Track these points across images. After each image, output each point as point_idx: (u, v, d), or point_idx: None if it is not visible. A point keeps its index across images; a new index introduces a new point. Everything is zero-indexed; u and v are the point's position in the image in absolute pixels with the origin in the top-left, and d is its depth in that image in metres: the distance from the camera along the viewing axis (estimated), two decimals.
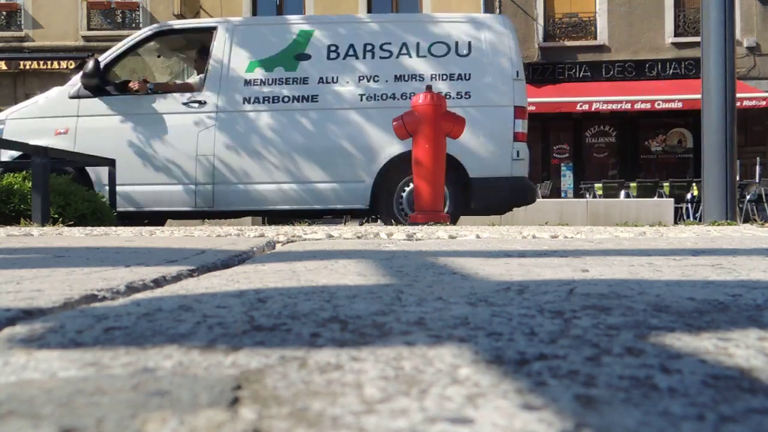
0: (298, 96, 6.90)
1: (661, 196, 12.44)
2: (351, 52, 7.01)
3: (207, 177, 6.75)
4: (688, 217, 12.37)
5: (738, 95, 7.29)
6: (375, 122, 6.85)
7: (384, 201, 6.91)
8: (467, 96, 6.90)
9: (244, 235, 3.58)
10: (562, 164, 16.81)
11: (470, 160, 6.83)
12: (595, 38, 16.41)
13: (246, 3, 16.56)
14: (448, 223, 6.79)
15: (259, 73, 6.94)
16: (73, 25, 16.28)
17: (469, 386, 0.61)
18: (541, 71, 16.25)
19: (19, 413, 0.55)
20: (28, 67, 15.93)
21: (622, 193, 13.13)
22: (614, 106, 15.10)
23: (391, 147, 6.84)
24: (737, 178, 7.47)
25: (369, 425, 0.52)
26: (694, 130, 15.78)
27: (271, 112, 6.87)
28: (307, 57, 7.00)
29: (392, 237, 3.48)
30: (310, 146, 6.76)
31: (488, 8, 16.21)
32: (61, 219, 5.46)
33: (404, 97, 6.88)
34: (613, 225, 6.16)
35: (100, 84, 6.78)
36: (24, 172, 5.81)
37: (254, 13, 16.67)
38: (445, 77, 6.95)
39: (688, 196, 12.72)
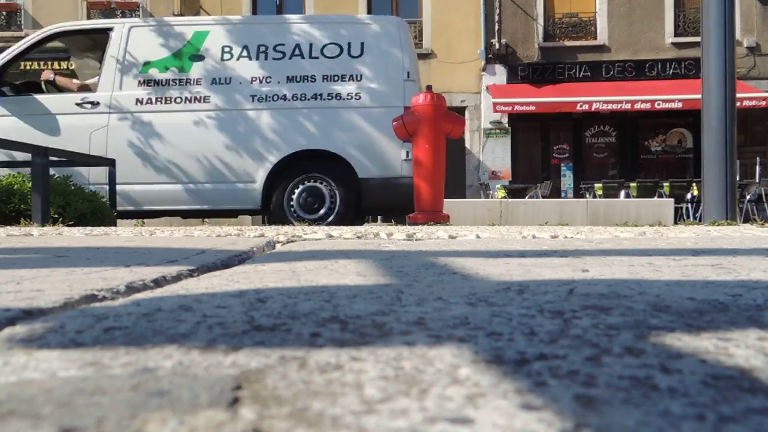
0: (191, 97, 6.96)
1: (661, 196, 12.43)
2: (245, 54, 7.08)
3: (99, 178, 6.74)
4: (688, 217, 12.37)
5: (738, 95, 7.29)
6: (266, 123, 6.92)
7: (276, 202, 6.98)
8: (358, 97, 6.96)
9: (244, 235, 3.58)
10: (562, 164, 16.81)
11: (360, 161, 6.88)
12: (595, 38, 16.41)
13: (246, 3, 16.56)
14: (448, 223, 6.80)
15: (153, 74, 7.01)
16: None
17: (469, 386, 0.61)
18: (541, 71, 16.25)
19: (19, 413, 0.55)
20: (28, 67, 15.93)
21: (622, 193, 13.13)
22: (614, 106, 15.10)
23: (282, 148, 6.92)
24: (737, 178, 7.47)
25: (369, 425, 0.52)
26: (694, 130, 15.78)
27: (164, 113, 6.93)
28: (201, 58, 7.07)
29: (392, 237, 3.48)
30: (202, 147, 6.79)
31: (488, 8, 16.22)
32: (61, 219, 5.46)
33: (295, 98, 6.99)
34: (613, 225, 6.16)
35: None
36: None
37: (254, 12, 16.67)
38: (336, 78, 7.01)
39: (688, 196, 12.72)
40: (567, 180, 16.69)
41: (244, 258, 2.23)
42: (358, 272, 1.65)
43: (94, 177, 6.82)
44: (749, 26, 15.96)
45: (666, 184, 13.03)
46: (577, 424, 0.51)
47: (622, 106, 15.12)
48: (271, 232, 3.81)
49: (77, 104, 6.87)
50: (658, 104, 14.92)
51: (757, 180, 13.81)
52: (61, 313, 1.04)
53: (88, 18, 16.43)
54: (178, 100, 6.95)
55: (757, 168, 14.77)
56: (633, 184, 13.23)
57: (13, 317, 0.98)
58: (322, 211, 6.87)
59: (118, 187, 6.60)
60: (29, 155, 5.52)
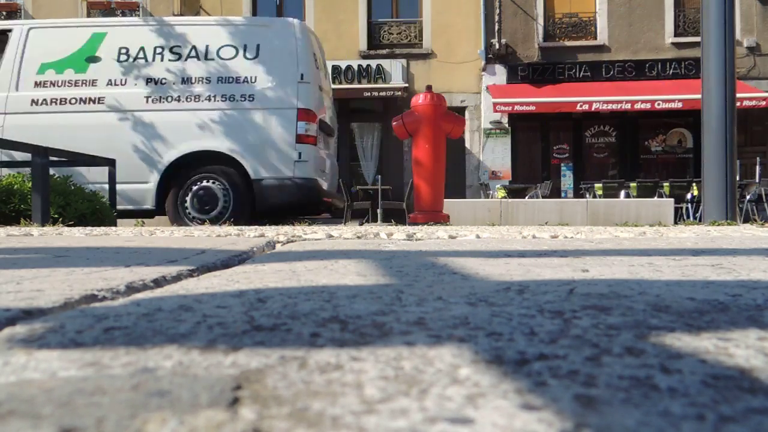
0: (86, 98, 7.00)
1: (661, 196, 12.43)
2: (141, 55, 7.13)
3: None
4: (688, 217, 12.36)
5: (738, 95, 7.29)
6: (161, 124, 6.95)
7: (169, 202, 7.03)
8: (251, 98, 7.00)
9: (244, 235, 3.58)
10: (562, 164, 16.81)
11: (252, 162, 6.92)
12: (595, 38, 16.40)
13: (246, 3, 16.57)
14: (448, 223, 6.80)
15: (49, 75, 7.05)
16: None
17: (469, 386, 0.61)
18: (541, 71, 16.25)
19: (19, 413, 0.55)
20: None
21: (622, 193, 13.12)
22: (614, 106, 15.09)
23: (175, 149, 6.96)
24: (737, 178, 7.47)
25: (369, 425, 0.52)
26: (694, 130, 15.77)
27: (60, 114, 6.97)
28: (98, 59, 7.12)
29: (392, 237, 3.48)
30: (97, 148, 6.81)
31: (488, 8, 16.22)
32: (61, 219, 5.46)
33: (189, 100, 7.02)
34: (613, 225, 6.16)
35: None
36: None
37: (254, 12, 16.67)
38: (231, 80, 7.06)
39: (688, 196, 12.72)
40: (567, 180, 16.68)
41: (244, 258, 2.23)
42: (358, 272, 1.65)
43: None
44: (749, 26, 15.96)
45: (666, 184, 13.02)
46: (577, 424, 0.51)
47: (622, 106, 15.11)
48: (271, 232, 3.81)
49: None
50: (658, 104, 14.91)
51: (757, 180, 13.81)
52: (61, 313, 1.04)
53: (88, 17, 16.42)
54: (74, 101, 7.02)
55: (757, 168, 14.77)
56: (633, 184, 13.22)
57: (13, 317, 0.98)
58: (215, 212, 6.92)
59: None
60: (29, 155, 5.52)
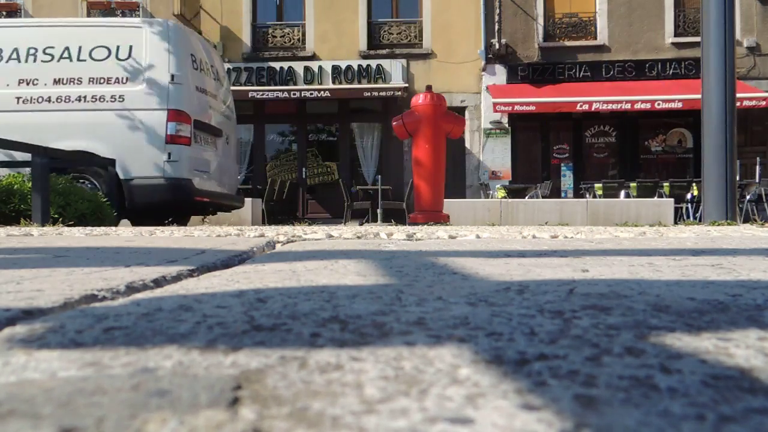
0: None
1: (661, 196, 12.43)
2: (14, 56, 7.13)
3: None
4: (688, 217, 12.36)
5: (738, 95, 7.29)
6: (32, 125, 6.92)
7: None
8: (121, 99, 7.02)
9: (244, 235, 3.58)
10: (562, 164, 16.81)
11: (122, 163, 6.93)
12: (595, 38, 16.40)
13: (246, 3, 16.57)
14: (448, 223, 6.80)
15: None
16: None
17: (469, 386, 0.61)
18: (541, 71, 16.24)
19: (19, 413, 0.55)
20: None
21: (622, 193, 13.12)
22: (614, 106, 15.09)
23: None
24: (737, 178, 7.47)
25: (369, 425, 0.52)
26: (694, 130, 15.77)
27: None
28: None
29: (392, 237, 3.48)
30: None
31: (488, 8, 16.22)
32: (61, 219, 5.46)
33: (60, 100, 7.03)
34: (613, 225, 6.16)
35: None
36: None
37: (254, 12, 16.68)
38: (102, 81, 7.07)
39: (688, 196, 12.72)
40: (567, 180, 16.68)
41: (244, 258, 2.23)
42: (358, 272, 1.65)
43: None
44: (749, 26, 15.96)
45: (666, 184, 13.02)
46: (577, 424, 0.51)
47: (622, 106, 15.11)
48: (271, 232, 3.81)
49: None
50: (658, 104, 14.91)
51: (757, 180, 13.81)
52: (61, 313, 1.04)
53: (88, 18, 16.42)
54: None
55: (757, 168, 14.77)
56: (633, 184, 13.22)
57: (13, 317, 0.98)
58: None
59: None
60: (29, 155, 5.52)
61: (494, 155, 16.19)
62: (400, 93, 15.42)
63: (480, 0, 16.27)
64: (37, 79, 7.04)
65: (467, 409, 0.55)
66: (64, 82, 7.05)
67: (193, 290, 1.30)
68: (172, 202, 7.05)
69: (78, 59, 7.10)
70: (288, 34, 16.57)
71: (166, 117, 6.90)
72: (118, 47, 7.11)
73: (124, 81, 7.03)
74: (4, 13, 16.34)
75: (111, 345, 0.80)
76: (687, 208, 12.62)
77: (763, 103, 14.62)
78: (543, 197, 13.53)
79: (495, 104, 15.32)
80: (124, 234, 3.81)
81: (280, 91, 15.65)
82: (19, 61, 7.09)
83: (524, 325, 0.90)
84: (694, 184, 12.60)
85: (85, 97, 6.99)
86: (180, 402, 0.58)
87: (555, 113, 15.76)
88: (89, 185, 6.95)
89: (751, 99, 14.37)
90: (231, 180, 8.51)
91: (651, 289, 1.26)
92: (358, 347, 0.78)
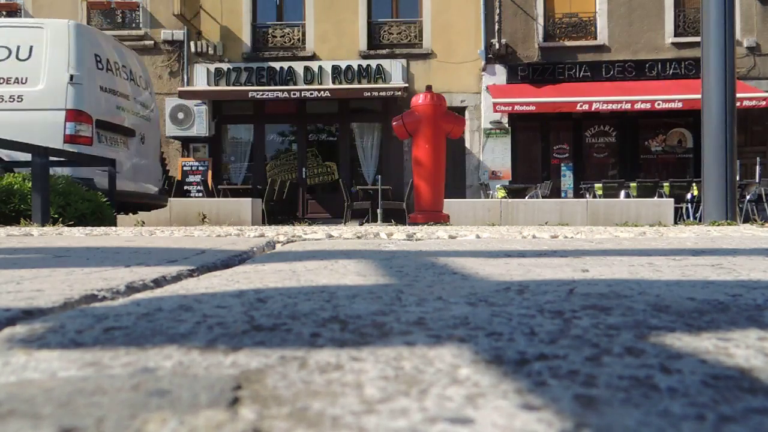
0: None
1: (661, 196, 12.43)
2: None
3: None
4: (688, 217, 12.36)
5: (738, 95, 7.29)
6: None
7: None
8: (20, 99, 7.03)
9: (244, 235, 3.58)
10: (562, 164, 16.80)
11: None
12: (595, 38, 16.40)
13: (246, 3, 16.56)
14: (448, 223, 6.80)
15: None
16: None
17: (469, 386, 0.61)
18: (541, 71, 16.24)
19: (19, 413, 0.55)
20: None
21: (622, 193, 13.12)
22: (614, 106, 15.09)
23: None
24: (737, 178, 7.47)
25: (369, 425, 0.52)
26: (694, 130, 15.77)
27: None
28: None
29: (392, 237, 3.48)
30: None
31: (488, 8, 16.22)
32: (61, 219, 5.46)
33: None
34: (613, 225, 6.16)
35: None
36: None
37: (254, 12, 16.67)
38: (2, 81, 7.08)
39: (688, 196, 12.72)
40: (567, 180, 16.68)
41: (244, 258, 2.23)
42: (358, 272, 1.65)
43: None
44: (749, 26, 15.96)
45: (666, 184, 13.02)
46: (577, 424, 0.51)
47: (622, 106, 15.11)
48: (271, 232, 3.81)
49: None
50: (658, 104, 14.91)
51: (757, 180, 13.80)
52: (61, 313, 1.04)
53: (88, 18, 16.43)
54: None
55: (757, 168, 14.77)
56: (633, 184, 13.22)
57: (13, 317, 0.98)
58: None
59: None
60: (29, 155, 5.52)
61: (494, 155, 16.19)
62: (400, 93, 15.42)
63: (480, 0, 16.27)
64: None
65: (467, 409, 0.55)
66: None
67: (193, 290, 1.30)
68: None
69: None
70: (288, 34, 16.57)
71: (65, 117, 6.94)
72: (18, 47, 7.15)
73: (24, 81, 7.06)
74: (4, 13, 16.34)
75: (111, 345, 0.80)
76: (687, 208, 12.62)
77: (763, 103, 14.62)
78: (543, 197, 13.53)
79: (495, 104, 15.32)
80: (124, 234, 3.81)
81: (280, 91, 15.65)
82: None
83: (524, 325, 0.90)
84: (694, 184, 12.60)
85: None
86: (180, 402, 0.58)
87: (555, 113, 15.76)
88: None
89: (751, 99, 14.37)
90: (149, 179, 8.59)
91: (651, 289, 1.26)
92: (358, 347, 0.78)
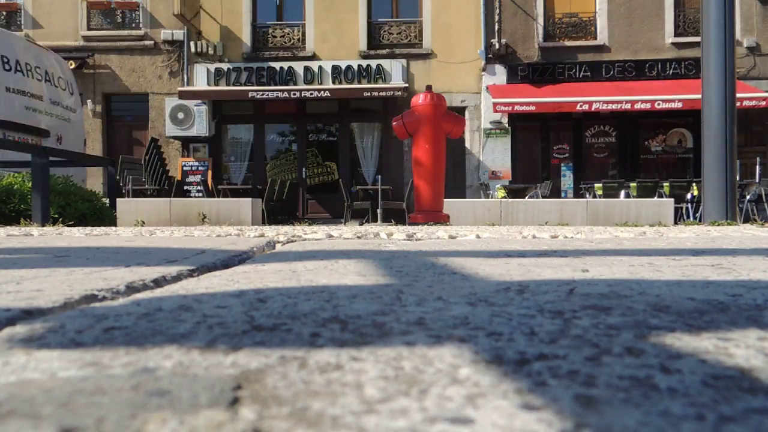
0: None
1: (661, 196, 12.42)
2: None
3: None
4: (688, 217, 12.36)
5: (738, 95, 7.29)
6: None
7: None
8: None
9: (244, 235, 3.57)
10: (562, 164, 16.80)
11: None
12: (595, 38, 16.39)
13: (246, 3, 16.56)
14: (448, 223, 6.80)
15: None
16: (73, 25, 16.28)
17: (469, 386, 0.61)
18: (541, 71, 16.24)
19: (19, 413, 0.55)
20: None
21: (622, 193, 13.12)
22: (614, 106, 15.08)
23: None
24: (737, 178, 7.46)
25: (369, 425, 0.52)
26: (694, 130, 15.77)
27: None
28: None
29: (392, 237, 3.48)
30: None
31: (488, 8, 16.21)
32: (61, 219, 5.46)
33: None
34: (613, 225, 6.16)
35: None
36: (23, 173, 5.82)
37: (254, 12, 16.67)
38: None
39: (688, 196, 12.71)
40: (567, 180, 16.68)
41: (244, 258, 2.23)
42: (358, 272, 1.65)
43: None
44: (749, 26, 15.96)
45: (666, 184, 13.02)
46: (577, 424, 0.51)
47: (622, 106, 15.10)
48: (271, 232, 3.81)
49: None
50: (658, 104, 14.90)
51: (757, 180, 13.79)
52: (61, 313, 1.04)
53: (88, 18, 16.42)
54: None
55: (757, 168, 14.76)
56: (633, 184, 13.21)
57: (13, 317, 0.98)
58: None
59: None
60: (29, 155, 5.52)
61: (494, 155, 16.18)
62: (400, 93, 15.41)
63: (480, 0, 16.26)
64: None
65: (467, 409, 0.55)
66: None
67: (193, 290, 1.30)
68: None
69: None
70: (288, 34, 16.57)
71: None
72: None
73: None
74: (4, 13, 16.34)
75: (111, 345, 0.80)
76: (687, 208, 12.61)
77: (763, 103, 14.61)
78: (543, 197, 13.53)
79: (495, 104, 15.31)
80: (124, 234, 3.81)
81: (280, 91, 15.64)
82: None
83: (524, 325, 0.90)
84: (694, 184, 12.60)
85: None
86: (180, 402, 0.57)
87: (555, 113, 15.75)
88: None
89: (751, 99, 14.36)
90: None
91: (651, 289, 1.26)
92: (358, 347, 0.78)
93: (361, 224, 9.65)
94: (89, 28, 16.42)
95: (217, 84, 16.19)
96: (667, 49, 16.24)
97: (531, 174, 16.27)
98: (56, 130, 8.29)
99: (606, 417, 0.53)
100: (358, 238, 3.44)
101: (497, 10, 16.12)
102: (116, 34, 16.33)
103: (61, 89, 8.68)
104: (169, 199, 9.89)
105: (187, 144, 16.41)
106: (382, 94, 15.69)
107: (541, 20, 16.37)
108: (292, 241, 3.17)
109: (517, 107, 15.29)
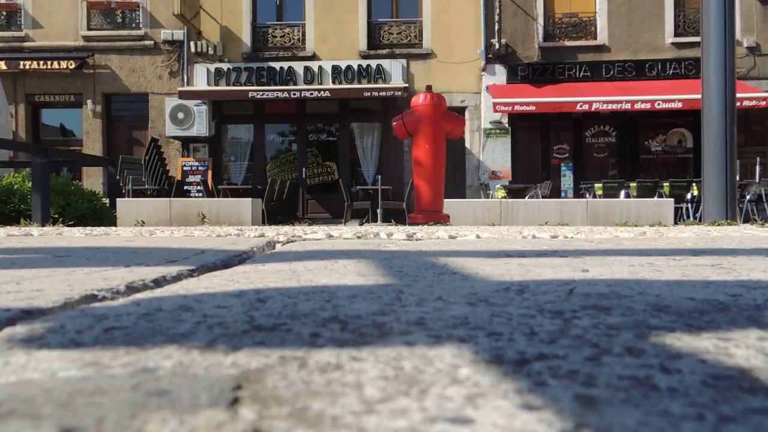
0: None
1: (661, 196, 12.42)
2: None
3: None
4: (688, 217, 12.36)
5: (738, 95, 7.29)
6: None
7: None
8: None
9: (244, 235, 3.57)
10: (562, 164, 16.80)
11: None
12: (595, 38, 16.39)
13: (246, 3, 16.56)
14: (448, 223, 6.80)
15: None
16: (73, 25, 16.27)
17: (469, 386, 0.61)
18: (541, 71, 16.24)
19: (19, 413, 0.55)
20: (28, 67, 15.91)
21: (622, 193, 13.12)
22: (614, 106, 15.08)
23: None
24: (737, 178, 7.46)
25: (369, 425, 0.52)
26: (694, 130, 15.77)
27: None
28: None
29: (392, 237, 3.48)
30: None
31: (488, 8, 16.21)
32: (61, 219, 5.46)
33: None
34: (613, 225, 6.16)
35: None
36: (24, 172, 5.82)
37: (254, 12, 16.66)
38: None
39: (688, 196, 12.71)
40: (567, 180, 16.68)
41: (244, 258, 2.23)
42: (358, 272, 1.65)
43: None
44: (749, 26, 15.96)
45: (666, 184, 13.01)
46: (577, 424, 0.51)
47: (622, 106, 15.10)
48: (271, 232, 3.81)
49: None
50: (658, 104, 14.90)
51: (757, 180, 13.79)
52: (61, 313, 1.04)
53: (88, 18, 16.42)
54: None
55: (757, 168, 14.76)
56: (633, 184, 13.21)
57: (13, 317, 0.98)
58: None
59: None
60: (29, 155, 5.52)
61: (494, 155, 16.18)
62: (400, 93, 15.41)
63: (480, 0, 16.26)
64: None
65: (467, 409, 0.55)
66: None
67: (193, 290, 1.30)
68: None
69: None
70: (288, 34, 16.57)
71: None
72: None
73: None
74: (4, 13, 16.34)
75: (111, 345, 0.80)
76: (687, 208, 12.61)
77: (763, 103, 14.61)
78: (543, 197, 13.53)
79: (495, 104, 15.31)
80: (124, 234, 3.80)
81: (280, 91, 15.64)
82: None
83: (524, 325, 0.90)
84: (694, 184, 12.60)
85: None
86: (180, 402, 0.57)
87: (555, 113, 15.75)
88: None
89: (751, 99, 14.36)
90: None
91: (651, 289, 1.26)
92: (358, 347, 0.78)
93: (361, 224, 9.65)
94: (89, 28, 16.41)
95: (217, 84, 16.19)
96: (667, 49, 16.24)
97: (531, 174, 16.27)
98: None
99: (606, 417, 0.53)
100: (358, 238, 3.44)
101: (497, 10, 16.12)
102: (116, 34, 16.33)
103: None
104: (169, 199, 9.89)
105: (187, 144, 16.41)
106: (382, 94, 15.69)
107: (541, 20, 16.37)
108: (292, 241, 3.17)
109: (517, 107, 15.29)
